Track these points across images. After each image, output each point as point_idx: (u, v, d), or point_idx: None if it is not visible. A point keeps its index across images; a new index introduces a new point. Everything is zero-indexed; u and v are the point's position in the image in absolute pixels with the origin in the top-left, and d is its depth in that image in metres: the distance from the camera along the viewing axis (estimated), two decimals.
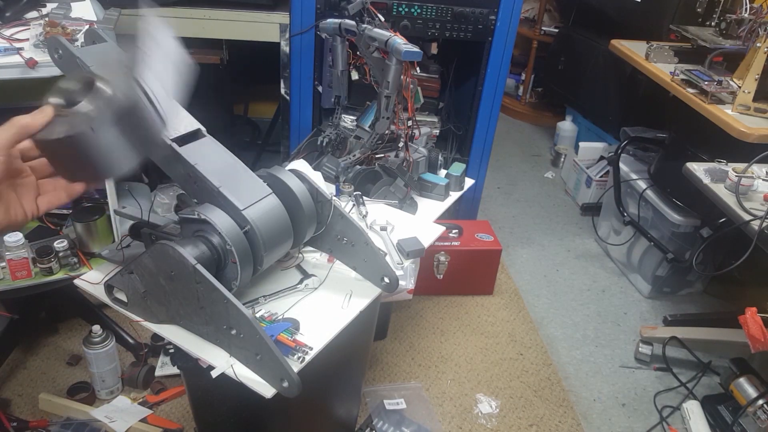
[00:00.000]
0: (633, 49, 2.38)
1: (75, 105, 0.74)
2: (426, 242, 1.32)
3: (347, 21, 1.54)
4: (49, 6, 1.73)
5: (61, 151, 0.74)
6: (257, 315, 1.04)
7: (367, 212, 1.40)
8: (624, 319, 2.35)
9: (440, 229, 1.40)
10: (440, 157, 1.72)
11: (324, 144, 1.70)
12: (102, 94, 0.73)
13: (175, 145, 0.96)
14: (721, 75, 2.05)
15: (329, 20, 1.59)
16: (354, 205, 1.42)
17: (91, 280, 1.09)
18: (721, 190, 1.55)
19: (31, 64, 1.40)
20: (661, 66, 2.21)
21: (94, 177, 0.81)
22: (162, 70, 0.80)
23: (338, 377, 1.42)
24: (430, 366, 2.02)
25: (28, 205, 0.76)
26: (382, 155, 1.61)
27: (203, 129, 1.03)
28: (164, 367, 1.84)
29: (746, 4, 2.11)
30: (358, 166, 1.55)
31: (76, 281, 1.11)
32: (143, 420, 1.69)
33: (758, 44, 1.85)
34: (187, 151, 0.97)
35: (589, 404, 1.96)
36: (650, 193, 2.38)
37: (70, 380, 1.82)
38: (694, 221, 2.22)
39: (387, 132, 1.56)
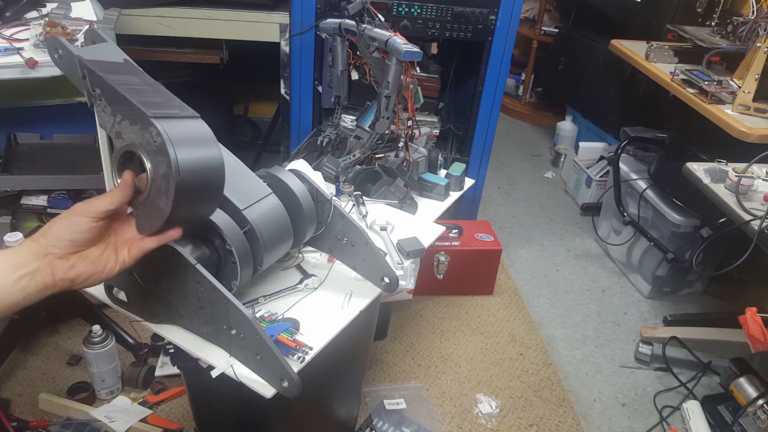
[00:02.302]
0: (633, 49, 2.38)
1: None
2: (426, 242, 1.32)
3: (347, 21, 1.54)
4: (49, 6, 1.73)
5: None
6: (257, 315, 1.04)
7: (367, 212, 1.40)
8: (624, 319, 2.35)
9: (440, 229, 1.40)
10: (440, 157, 1.72)
11: (324, 144, 1.70)
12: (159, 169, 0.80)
13: None
14: (721, 75, 2.05)
15: (329, 20, 1.59)
16: (354, 205, 1.42)
17: None
18: (721, 190, 1.55)
19: (31, 64, 1.40)
20: (661, 66, 2.21)
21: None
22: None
23: (338, 377, 1.42)
24: (430, 366, 2.02)
25: (122, 252, 0.85)
26: (382, 155, 1.61)
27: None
28: (164, 367, 1.84)
29: (753, 6, 2.10)
30: (358, 166, 1.55)
31: None
32: (143, 420, 1.68)
33: (758, 44, 1.85)
34: None
35: (589, 404, 1.96)
36: (650, 193, 2.38)
37: (70, 380, 1.82)
38: (694, 221, 2.22)
39: (387, 132, 1.56)
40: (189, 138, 0.80)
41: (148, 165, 0.81)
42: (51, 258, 0.79)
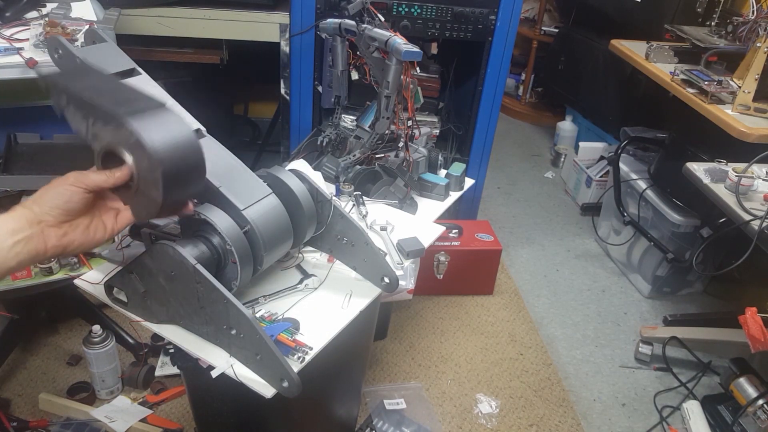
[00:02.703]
0: (633, 49, 2.38)
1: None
2: (426, 242, 1.32)
3: (347, 21, 1.54)
4: (49, 6, 1.73)
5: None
6: (257, 315, 1.03)
7: (367, 212, 1.40)
8: (624, 319, 2.35)
9: (440, 229, 1.40)
10: (440, 157, 1.72)
11: (324, 144, 1.70)
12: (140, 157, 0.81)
13: None
14: (721, 75, 2.05)
15: (329, 20, 1.59)
16: (354, 205, 1.42)
17: (91, 280, 1.09)
18: (721, 190, 1.55)
19: (31, 64, 1.40)
20: (661, 66, 2.21)
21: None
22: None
23: (338, 377, 1.42)
24: (430, 366, 2.02)
25: (109, 222, 0.88)
26: (382, 155, 1.61)
27: (203, 129, 1.03)
28: (164, 367, 1.84)
29: (753, 6, 2.10)
30: (358, 166, 1.55)
31: (76, 281, 1.11)
32: (143, 420, 1.69)
33: (758, 44, 1.85)
34: None
35: (589, 404, 1.96)
36: (650, 193, 2.38)
37: (70, 380, 1.82)
38: (694, 221, 2.22)
39: (387, 132, 1.56)
40: (161, 126, 0.81)
41: (129, 160, 0.82)
42: (44, 226, 0.81)
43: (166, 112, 0.84)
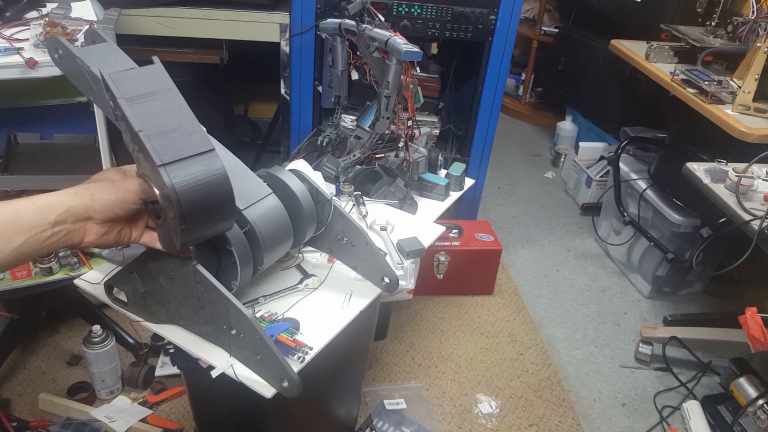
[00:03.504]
0: (633, 49, 2.38)
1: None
2: (426, 242, 1.32)
3: (347, 21, 1.54)
4: (49, 6, 1.73)
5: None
6: (257, 315, 1.04)
7: (367, 212, 1.40)
8: (624, 319, 2.35)
9: (440, 229, 1.40)
10: (440, 157, 1.72)
11: (324, 144, 1.70)
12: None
13: None
14: (721, 75, 2.05)
15: (329, 20, 1.59)
16: (354, 205, 1.42)
17: (91, 280, 1.09)
18: (721, 190, 1.55)
19: (31, 64, 1.40)
20: (661, 66, 2.21)
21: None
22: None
23: (338, 377, 1.42)
24: (430, 366, 2.02)
25: (136, 232, 0.88)
26: (382, 155, 1.61)
27: (203, 129, 1.03)
28: (164, 367, 1.84)
29: (753, 6, 2.11)
30: (358, 166, 1.55)
31: (76, 281, 1.11)
32: (143, 420, 1.69)
33: (758, 44, 1.85)
34: None
35: (589, 404, 1.96)
36: (650, 193, 2.38)
37: (70, 380, 1.82)
38: (694, 221, 2.22)
39: (387, 132, 1.56)
40: (198, 183, 0.80)
41: (159, 200, 0.82)
42: (90, 222, 0.80)
43: (209, 160, 0.82)
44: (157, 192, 0.81)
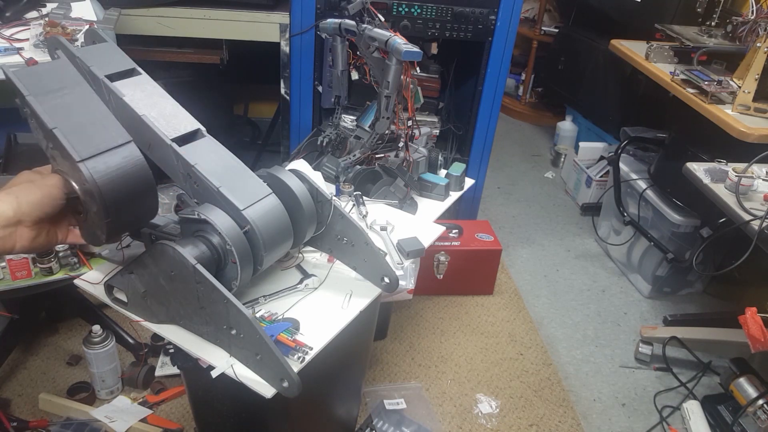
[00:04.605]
0: (633, 49, 2.38)
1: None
2: (426, 242, 1.32)
3: (347, 21, 1.54)
4: (49, 6, 1.73)
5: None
6: (257, 315, 1.04)
7: (367, 212, 1.40)
8: (624, 319, 2.35)
9: (440, 229, 1.40)
10: (440, 157, 1.72)
11: (324, 144, 1.70)
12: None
13: (174, 145, 0.96)
14: (721, 75, 2.05)
15: (329, 20, 1.59)
16: (354, 205, 1.42)
17: (91, 280, 1.09)
18: (721, 190, 1.55)
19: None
20: (661, 66, 2.21)
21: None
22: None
23: (338, 377, 1.42)
24: (430, 366, 2.02)
25: (61, 233, 0.88)
26: (382, 155, 1.61)
27: (203, 129, 1.03)
28: (164, 367, 1.84)
29: (753, 6, 2.11)
30: (358, 166, 1.55)
31: (76, 281, 1.11)
32: (143, 420, 1.69)
33: (758, 44, 1.85)
34: (187, 151, 0.97)
35: (589, 404, 1.96)
36: (650, 193, 2.38)
37: (70, 380, 1.82)
38: (694, 221, 2.22)
39: (387, 132, 1.56)
40: (119, 175, 0.80)
41: (81, 196, 0.81)
42: (21, 227, 0.79)
43: (126, 149, 0.82)
44: (77, 187, 0.81)
